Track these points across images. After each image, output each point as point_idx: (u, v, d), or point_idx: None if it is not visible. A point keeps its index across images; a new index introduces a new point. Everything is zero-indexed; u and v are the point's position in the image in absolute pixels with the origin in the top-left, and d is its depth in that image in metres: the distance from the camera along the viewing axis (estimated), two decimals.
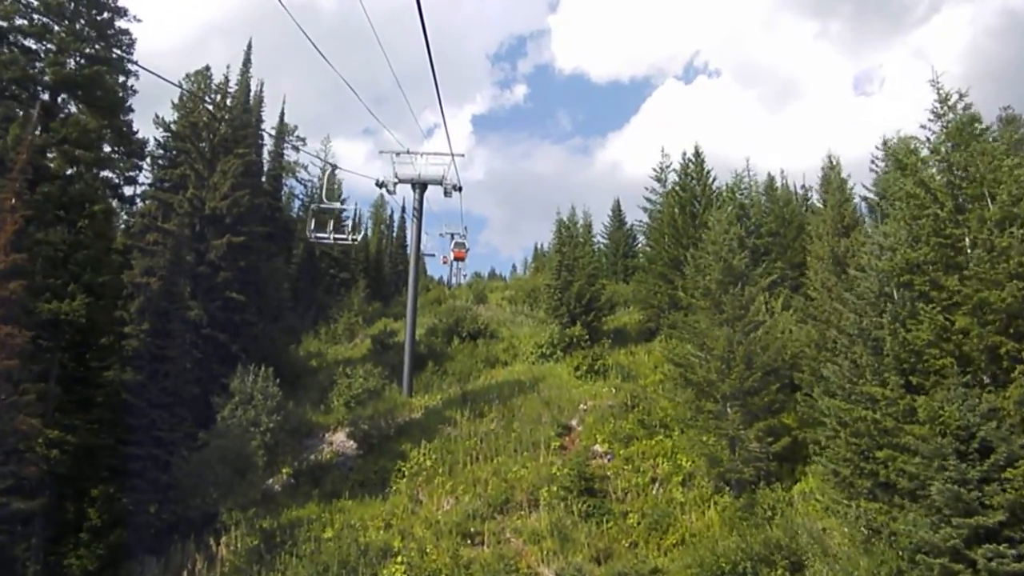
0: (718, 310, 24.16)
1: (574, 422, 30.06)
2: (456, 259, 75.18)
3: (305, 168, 65.63)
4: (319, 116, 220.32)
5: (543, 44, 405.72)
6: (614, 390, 31.60)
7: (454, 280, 79.49)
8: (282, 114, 58.00)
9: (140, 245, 36.44)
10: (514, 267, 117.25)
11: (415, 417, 33.13)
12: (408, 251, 39.29)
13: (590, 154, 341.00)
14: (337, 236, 22.69)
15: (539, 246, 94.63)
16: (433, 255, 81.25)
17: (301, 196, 65.28)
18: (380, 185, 38.56)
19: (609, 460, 26.91)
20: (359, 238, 23.24)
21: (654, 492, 24.70)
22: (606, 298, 40.32)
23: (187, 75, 49.13)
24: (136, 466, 26.40)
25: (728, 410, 23.50)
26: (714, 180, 39.66)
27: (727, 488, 23.38)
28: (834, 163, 26.62)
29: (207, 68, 46.74)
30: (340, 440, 32.51)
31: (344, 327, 52.27)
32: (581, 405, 30.93)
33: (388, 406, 33.72)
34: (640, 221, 43.42)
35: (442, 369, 39.79)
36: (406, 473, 28.33)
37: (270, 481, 30.67)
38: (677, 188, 40.31)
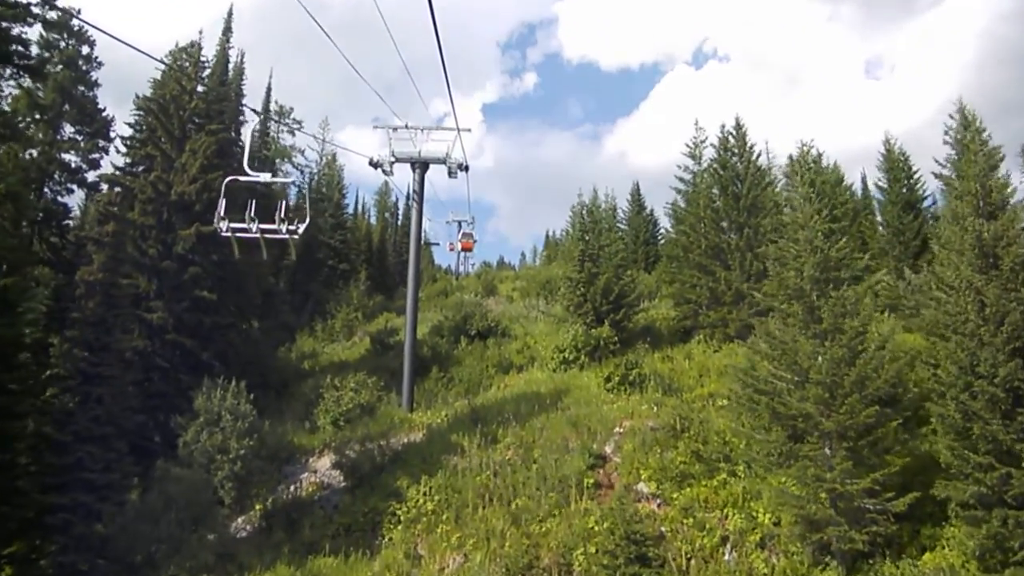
0: (812, 318, 17.06)
1: (609, 449, 23.06)
2: (464, 250, 68.09)
3: (302, 152, 58.68)
4: (330, 107, 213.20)
5: (551, 32, 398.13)
6: (655, 407, 24.57)
7: (461, 269, 72.50)
8: (269, 89, 50.78)
9: (94, 237, 29.45)
10: (523, 255, 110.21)
11: (415, 440, 26.14)
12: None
13: (599, 141, 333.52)
14: (265, 228, 14.43)
15: (551, 233, 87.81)
16: (438, 244, 74.33)
17: (297, 183, 58.35)
18: (374, 165, 31.60)
19: (659, 507, 19.93)
20: (300, 229, 14.90)
21: (726, 559, 17.69)
22: (636, 293, 33.20)
23: (170, 51, 42.03)
24: (59, 518, 19.62)
25: (828, 451, 16.49)
26: (758, 156, 32.56)
27: (831, 559, 16.34)
28: (969, 119, 19.25)
29: (192, 44, 39.59)
30: (325, 468, 25.58)
31: (342, 324, 45.48)
32: (616, 427, 23.87)
33: (383, 427, 26.83)
34: (669, 204, 36.24)
35: (448, 375, 32.86)
36: (402, 518, 21.44)
37: (240, 520, 23.89)
38: (716, 166, 33.13)
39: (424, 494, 22.00)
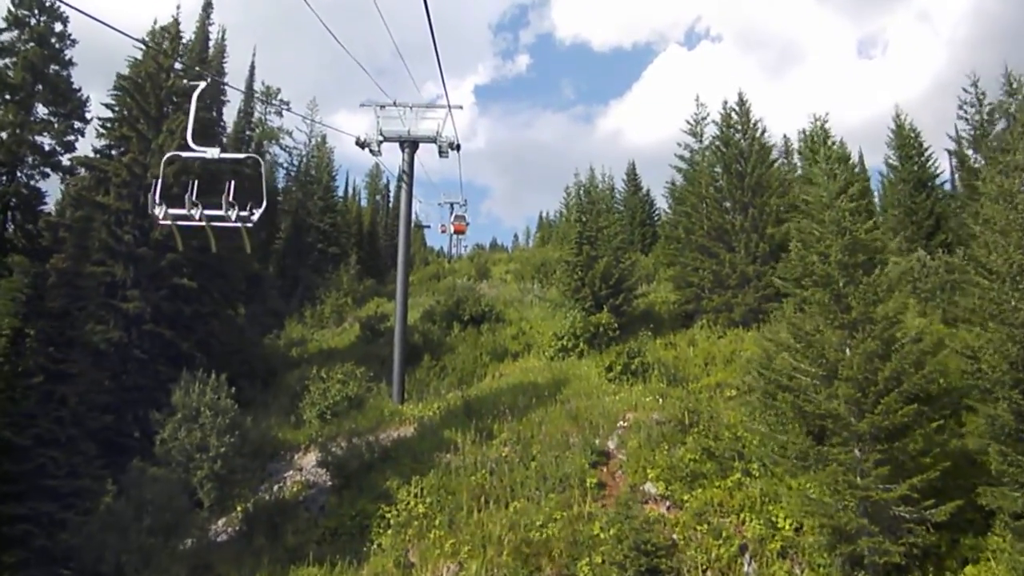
0: (840, 306, 15.17)
1: (612, 445, 21.25)
2: (456, 232, 65.96)
3: (290, 134, 56.42)
4: (322, 91, 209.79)
5: (544, 13, 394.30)
6: (659, 399, 22.74)
7: (454, 251, 70.41)
8: (252, 67, 48.15)
9: (67, 223, 27.38)
10: (516, 237, 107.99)
11: (406, 434, 24.30)
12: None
13: (592, 122, 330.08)
14: (212, 215, 11.90)
15: (544, 215, 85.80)
16: (428, 226, 72.22)
17: (286, 165, 56.13)
18: (362, 145, 29.62)
19: (669, 510, 18.13)
20: (255, 216, 12.10)
21: (746, 570, 15.92)
22: (636, 277, 31.31)
23: (151, 30, 39.66)
24: (19, 529, 17.71)
25: (858, 453, 14.67)
26: (763, 132, 30.59)
27: (862, 573, 14.53)
28: (1015, 86, 17.28)
29: (173, 21, 37.08)
30: (311, 465, 23.72)
31: (332, 309, 43.47)
32: (619, 421, 22.05)
33: (371, 421, 25.02)
34: (670, 183, 34.32)
35: (440, 364, 31.02)
36: (392, 522, 19.54)
37: (220, 523, 22.07)
38: (718, 143, 31.17)
39: (415, 495, 20.16)
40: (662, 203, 45.33)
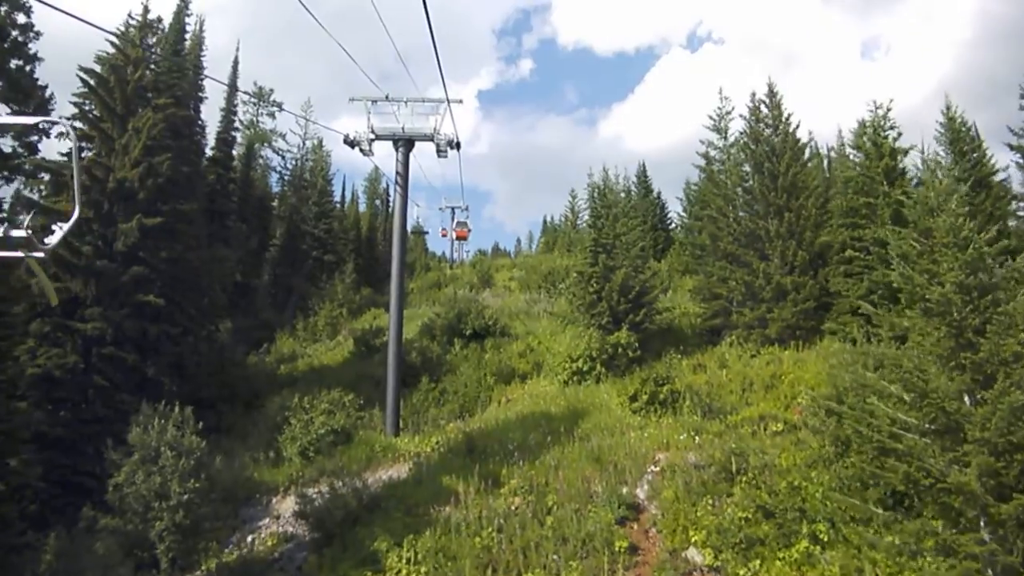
0: (959, 341, 11.14)
1: (641, 494, 17.26)
2: (458, 238, 62.09)
3: (283, 137, 52.42)
4: (325, 97, 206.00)
5: (546, 18, 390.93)
6: (695, 436, 18.76)
7: (456, 256, 66.40)
8: (236, 62, 43.71)
9: None
10: (519, 241, 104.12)
11: (399, 476, 20.30)
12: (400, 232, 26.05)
13: (595, 125, 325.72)
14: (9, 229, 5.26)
15: (549, 219, 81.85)
16: (427, 232, 68.46)
17: (279, 168, 52.18)
18: (351, 143, 25.80)
19: None
20: (53, 239, 5.56)
21: None
22: (658, 289, 27.33)
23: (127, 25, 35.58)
24: None
25: (987, 537, 10.66)
26: (797, 128, 26.57)
27: None
28: None
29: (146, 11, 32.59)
30: (289, 513, 19.70)
31: (325, 321, 39.49)
32: (650, 464, 18.09)
33: (360, 459, 21.01)
34: (688, 184, 30.34)
35: (440, 387, 27.06)
36: None
37: None
38: (746, 139, 27.16)
39: (408, 561, 16.12)
40: (676, 206, 41.47)
